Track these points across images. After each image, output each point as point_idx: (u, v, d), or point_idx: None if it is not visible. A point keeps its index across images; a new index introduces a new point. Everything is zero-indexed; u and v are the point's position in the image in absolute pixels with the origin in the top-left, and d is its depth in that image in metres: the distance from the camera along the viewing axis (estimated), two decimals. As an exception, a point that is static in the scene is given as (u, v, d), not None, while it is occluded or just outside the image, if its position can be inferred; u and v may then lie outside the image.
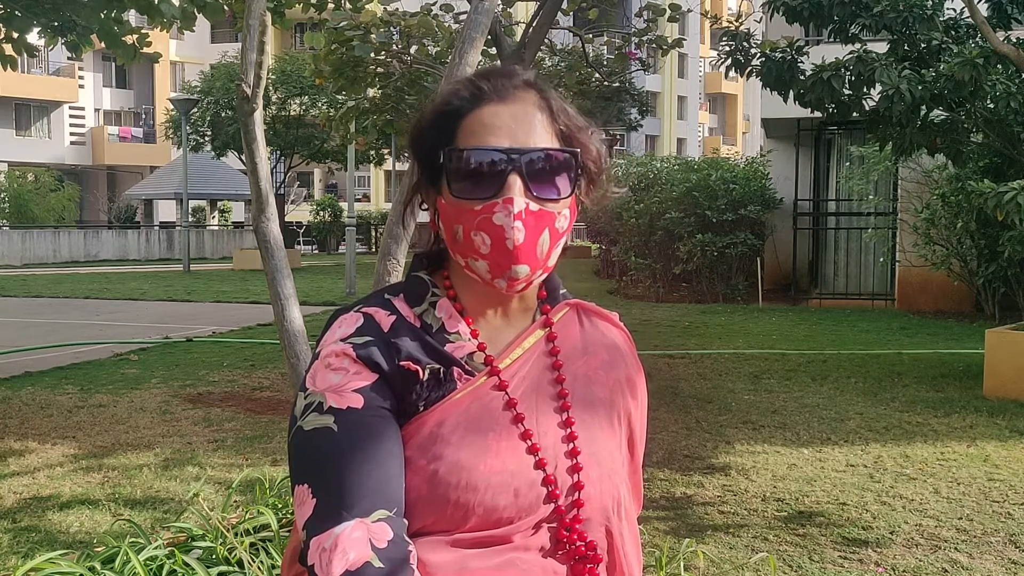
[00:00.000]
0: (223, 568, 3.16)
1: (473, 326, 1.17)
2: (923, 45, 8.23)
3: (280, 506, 3.73)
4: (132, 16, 8.34)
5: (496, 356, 1.16)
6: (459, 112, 1.13)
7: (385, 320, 1.14)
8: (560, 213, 1.12)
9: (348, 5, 7.25)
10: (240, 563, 3.18)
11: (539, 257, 1.11)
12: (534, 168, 1.10)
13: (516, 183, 1.08)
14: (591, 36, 8.95)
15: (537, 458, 1.12)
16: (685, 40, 9.68)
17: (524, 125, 1.11)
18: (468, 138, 1.11)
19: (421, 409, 1.11)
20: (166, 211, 40.27)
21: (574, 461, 1.15)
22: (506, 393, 1.14)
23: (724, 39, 8.68)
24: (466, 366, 1.14)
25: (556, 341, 1.21)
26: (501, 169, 1.09)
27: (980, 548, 4.25)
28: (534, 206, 1.09)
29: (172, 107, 28.47)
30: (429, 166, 1.15)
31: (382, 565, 1.01)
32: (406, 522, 1.07)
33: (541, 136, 1.12)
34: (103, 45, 7.64)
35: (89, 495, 5.00)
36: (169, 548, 3.22)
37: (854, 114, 8.45)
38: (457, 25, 7.35)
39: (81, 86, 42.09)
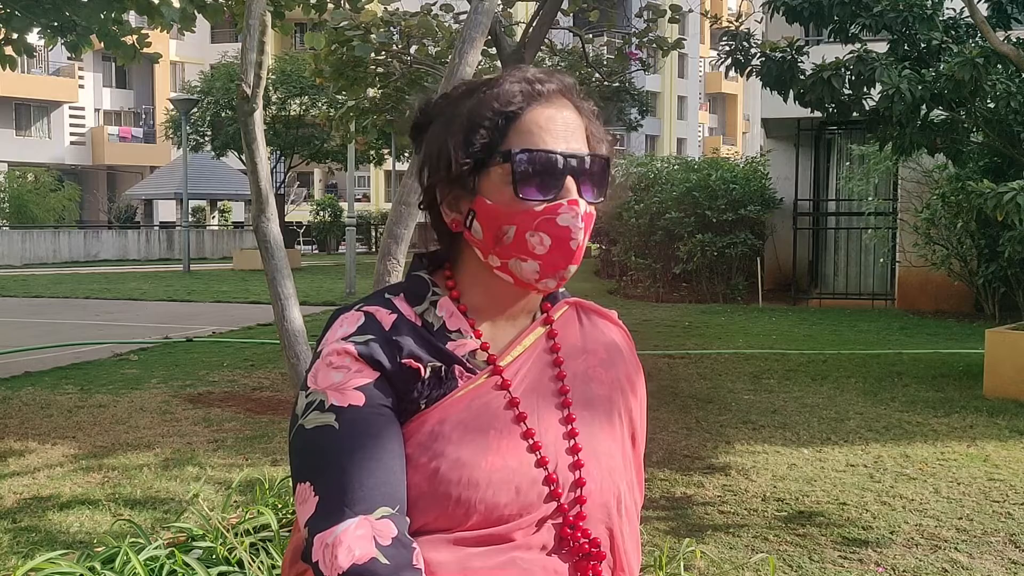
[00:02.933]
0: (223, 568, 3.16)
1: (475, 325, 1.18)
2: (923, 45, 8.23)
3: (280, 506, 3.73)
4: (132, 17, 8.33)
5: (497, 354, 1.17)
6: (515, 114, 1.13)
7: (386, 319, 1.15)
8: (595, 217, 1.15)
9: (348, 5, 7.24)
10: (240, 563, 3.18)
11: (582, 257, 1.14)
12: (587, 173, 1.13)
13: (572, 185, 1.11)
14: (591, 36, 8.95)
15: (538, 456, 1.13)
16: (685, 40, 9.68)
17: (573, 130, 1.14)
18: (524, 139, 1.11)
19: (422, 407, 1.12)
20: (166, 211, 40.26)
21: (575, 459, 1.15)
22: (508, 391, 1.15)
23: (724, 39, 8.68)
24: (467, 364, 1.15)
25: (556, 339, 1.22)
26: (562, 172, 1.11)
27: (980, 548, 4.25)
28: (589, 209, 1.13)
29: (172, 107, 28.47)
30: (472, 164, 1.12)
31: (387, 562, 1.02)
32: (408, 520, 1.07)
33: (581, 141, 1.15)
34: (103, 45, 7.64)
35: (89, 495, 5.00)
36: (169, 548, 3.22)
37: (854, 114, 8.46)
38: (457, 25, 7.35)
39: (81, 86, 42.08)
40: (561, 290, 1.26)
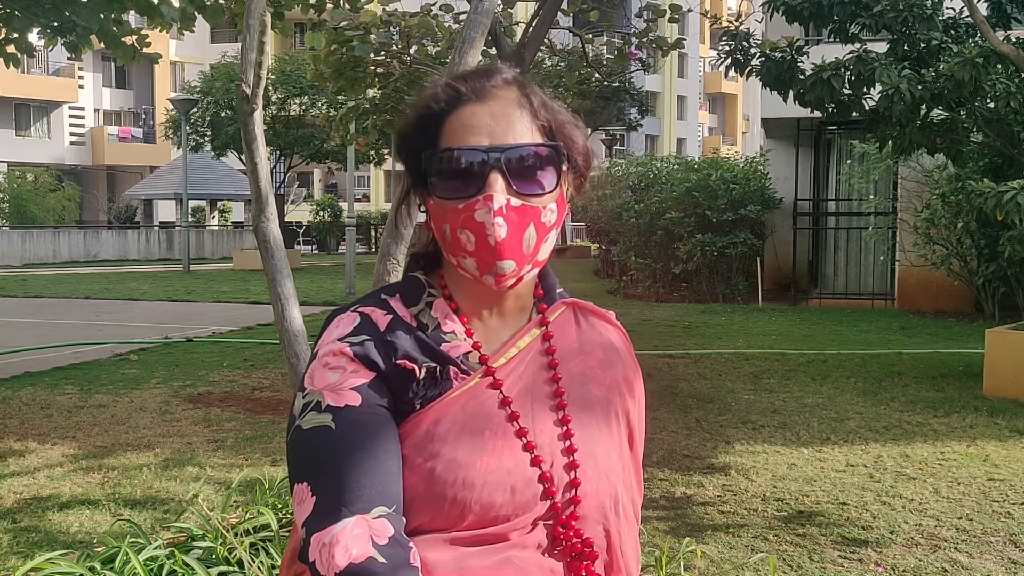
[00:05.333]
0: (223, 568, 3.16)
1: (468, 325, 1.18)
2: (923, 45, 8.23)
3: (280, 506, 3.73)
4: (132, 17, 8.33)
5: (491, 355, 1.17)
6: (439, 115, 1.14)
7: (381, 319, 1.15)
8: (546, 207, 1.13)
9: (347, 5, 7.24)
10: (240, 563, 3.18)
11: (525, 252, 1.12)
12: (515, 164, 1.11)
13: (497, 180, 1.10)
14: (591, 36, 8.95)
15: (533, 456, 1.13)
16: (685, 40, 9.67)
17: (503, 122, 1.12)
18: (449, 139, 1.13)
19: (418, 408, 1.12)
20: (166, 211, 40.28)
21: (570, 459, 1.16)
22: (501, 392, 1.15)
23: (724, 39, 8.68)
24: (462, 365, 1.15)
25: (552, 340, 1.22)
26: (482, 167, 1.10)
27: (980, 548, 4.25)
28: (516, 202, 1.10)
29: (172, 107, 28.49)
30: (416, 169, 1.16)
31: (384, 561, 1.02)
32: (405, 520, 1.07)
33: (522, 132, 1.13)
34: (103, 45, 7.64)
35: (89, 495, 5.00)
36: (169, 548, 3.22)
37: (854, 114, 8.46)
38: (457, 25, 7.35)
39: (81, 86, 42.08)
40: (559, 290, 1.26)
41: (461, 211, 1.10)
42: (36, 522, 4.57)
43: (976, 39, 8.21)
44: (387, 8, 6.99)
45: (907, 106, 7.64)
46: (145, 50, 7.82)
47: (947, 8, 8.59)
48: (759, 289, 15.13)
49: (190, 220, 30.40)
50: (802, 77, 8.20)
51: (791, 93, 8.40)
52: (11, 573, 3.25)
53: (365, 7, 7.17)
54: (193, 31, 7.70)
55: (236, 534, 3.39)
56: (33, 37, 8.04)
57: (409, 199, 1.22)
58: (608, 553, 1.19)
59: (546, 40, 7.25)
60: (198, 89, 28.06)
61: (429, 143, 1.14)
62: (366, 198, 44.23)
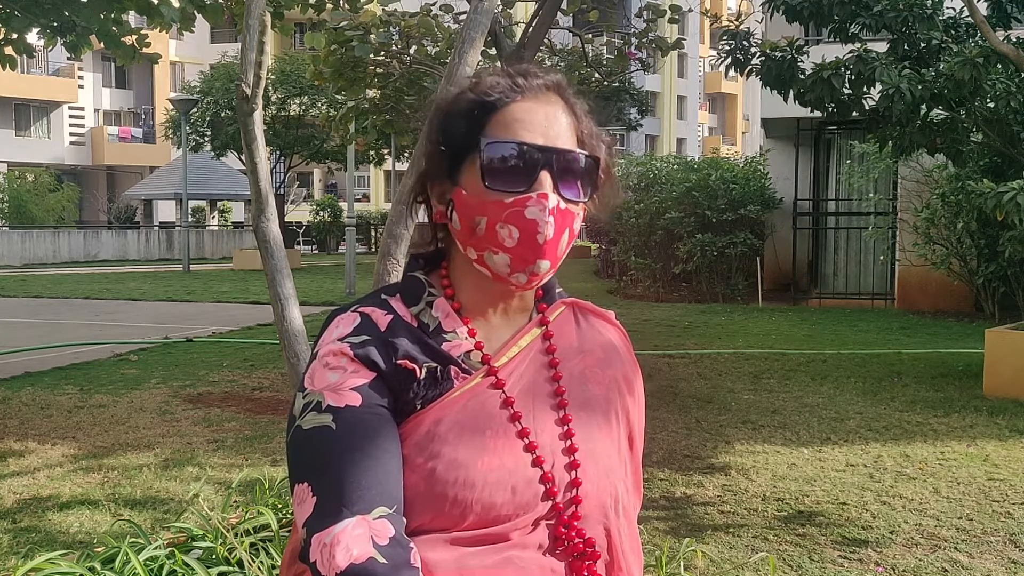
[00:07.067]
0: (223, 568, 3.16)
1: (470, 325, 1.18)
2: (923, 44, 8.23)
3: (280, 506, 3.73)
4: (132, 17, 8.34)
5: (492, 354, 1.17)
6: (494, 105, 1.13)
7: (382, 319, 1.15)
8: (577, 215, 1.14)
9: (347, 5, 7.25)
10: (240, 563, 3.18)
11: (559, 255, 1.13)
12: (562, 168, 1.12)
13: (547, 180, 1.10)
14: (591, 36, 8.95)
15: (534, 456, 1.13)
16: (685, 40, 9.67)
17: (555, 125, 1.13)
18: (500, 131, 1.12)
19: (418, 408, 1.12)
20: (166, 211, 40.28)
21: (571, 459, 1.15)
22: (503, 391, 1.15)
23: (724, 39, 8.68)
24: (463, 364, 1.15)
25: (552, 339, 1.22)
26: (534, 165, 1.10)
27: (980, 548, 4.25)
28: (563, 204, 1.11)
29: (172, 107, 28.49)
30: (452, 155, 1.15)
31: (385, 561, 1.02)
32: (405, 520, 1.07)
33: (567, 139, 1.14)
34: (103, 45, 7.65)
35: (89, 495, 5.00)
36: (169, 548, 3.22)
37: (854, 114, 8.45)
38: (457, 25, 7.36)
39: (81, 86, 42.07)
40: (558, 290, 1.26)
41: (508, 205, 1.10)
42: (36, 522, 4.57)
43: (976, 39, 8.20)
44: (387, 8, 6.99)
45: (907, 106, 7.63)
46: (145, 50, 7.82)
47: (947, 8, 8.59)
48: (759, 289, 15.13)
49: (190, 220, 30.40)
50: (802, 77, 8.20)
51: (791, 93, 8.40)
52: (11, 573, 3.25)
53: (365, 7, 7.17)
54: (193, 31, 7.71)
55: (236, 534, 3.39)
56: (33, 37, 8.04)
57: (423, 185, 1.20)
58: (609, 553, 1.19)
59: (546, 40, 7.25)
60: (198, 89, 28.04)
61: (476, 131, 1.13)
62: (366, 198, 44.22)
